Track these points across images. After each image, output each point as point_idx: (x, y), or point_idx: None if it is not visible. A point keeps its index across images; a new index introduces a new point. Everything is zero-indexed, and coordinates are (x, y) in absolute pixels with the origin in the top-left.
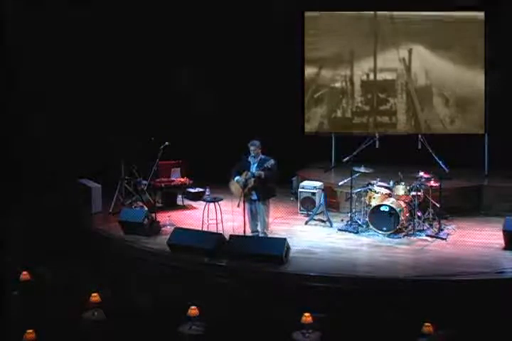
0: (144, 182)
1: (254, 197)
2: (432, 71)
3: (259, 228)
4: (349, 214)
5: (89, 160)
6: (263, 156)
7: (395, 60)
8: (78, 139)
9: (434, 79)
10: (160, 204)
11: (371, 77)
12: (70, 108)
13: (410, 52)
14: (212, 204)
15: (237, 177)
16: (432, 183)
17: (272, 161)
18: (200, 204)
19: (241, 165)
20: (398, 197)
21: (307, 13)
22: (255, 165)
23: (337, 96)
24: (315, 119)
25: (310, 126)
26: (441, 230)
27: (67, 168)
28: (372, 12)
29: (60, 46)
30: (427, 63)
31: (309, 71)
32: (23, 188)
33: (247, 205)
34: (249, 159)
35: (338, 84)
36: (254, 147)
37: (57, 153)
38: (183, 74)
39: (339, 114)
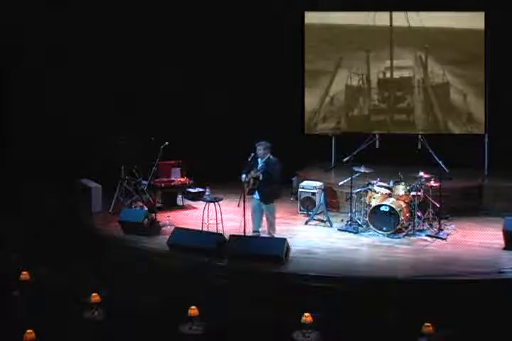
0: (144, 182)
1: (257, 196)
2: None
3: (261, 228)
4: (349, 214)
5: (89, 160)
6: (271, 157)
7: (411, 57)
8: (78, 139)
9: (451, 76)
10: (160, 204)
11: (388, 74)
12: (70, 107)
13: (427, 50)
14: (212, 204)
15: (243, 176)
16: (432, 183)
17: (271, 164)
18: (200, 204)
19: (250, 164)
20: (398, 197)
21: (309, 14)
22: (260, 165)
23: (354, 94)
24: (332, 118)
25: (327, 125)
26: (441, 230)
27: (67, 168)
28: (387, 12)
29: (57, 44)
30: (442, 61)
31: (324, 68)
32: (24, 188)
33: (250, 204)
34: (257, 159)
35: (354, 83)
36: (259, 147)
37: (57, 153)
38: (183, 75)
39: (356, 112)
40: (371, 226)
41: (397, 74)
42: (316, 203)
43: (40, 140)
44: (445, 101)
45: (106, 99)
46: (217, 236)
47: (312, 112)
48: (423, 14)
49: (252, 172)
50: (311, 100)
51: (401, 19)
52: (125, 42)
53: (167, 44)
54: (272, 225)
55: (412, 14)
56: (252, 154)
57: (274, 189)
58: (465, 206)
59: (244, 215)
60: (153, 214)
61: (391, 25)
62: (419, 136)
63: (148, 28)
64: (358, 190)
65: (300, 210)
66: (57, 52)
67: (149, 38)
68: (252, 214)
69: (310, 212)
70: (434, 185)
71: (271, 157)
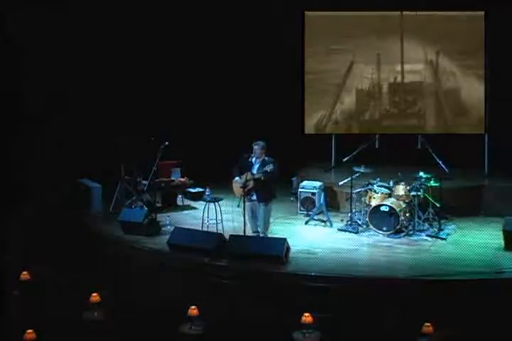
0: (144, 182)
1: (254, 197)
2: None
3: (259, 228)
4: (349, 214)
5: (89, 160)
6: (266, 158)
7: (422, 61)
8: (78, 139)
9: (461, 76)
10: (160, 204)
11: (398, 79)
12: (70, 107)
13: (438, 53)
14: (212, 204)
15: (236, 178)
16: (432, 183)
17: (272, 165)
18: (200, 204)
19: (242, 165)
20: (398, 197)
21: (310, 14)
22: (257, 165)
23: (364, 98)
24: (342, 121)
25: (337, 128)
26: (441, 230)
27: (67, 168)
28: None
29: (59, 45)
30: (451, 64)
31: (334, 73)
32: (24, 188)
33: (247, 205)
34: (252, 160)
35: (364, 87)
36: (257, 147)
37: (57, 153)
38: (183, 75)
39: (367, 116)
40: (371, 226)
41: (407, 79)
42: (316, 203)
43: (39, 139)
44: (456, 104)
45: (106, 99)
46: (217, 236)
47: (321, 115)
48: (431, 14)
49: (249, 174)
50: (319, 104)
51: (409, 20)
52: (124, 41)
53: (167, 44)
54: (265, 225)
55: (420, 14)
56: (247, 154)
57: (272, 189)
58: (465, 206)
59: (244, 215)
60: (153, 214)
61: (402, 21)
62: (419, 136)
63: (148, 27)
64: (358, 190)
65: (300, 210)
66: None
67: (149, 37)
68: (249, 215)
69: (310, 212)
70: (434, 185)
71: (266, 158)
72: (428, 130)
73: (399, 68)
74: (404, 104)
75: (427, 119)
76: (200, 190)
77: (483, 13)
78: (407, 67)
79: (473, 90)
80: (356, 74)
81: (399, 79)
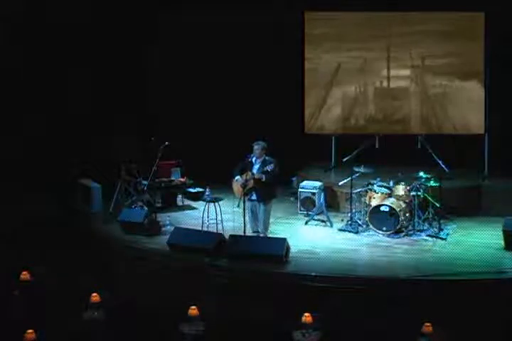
0: (144, 182)
1: (254, 197)
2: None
3: (259, 228)
4: (349, 214)
5: (89, 160)
6: (267, 158)
7: (408, 65)
8: (79, 139)
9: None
10: (160, 204)
11: (384, 83)
12: (70, 107)
13: (423, 57)
14: (212, 204)
15: (237, 177)
16: (432, 183)
17: (271, 165)
18: (200, 204)
19: (243, 165)
20: (398, 197)
21: (309, 14)
22: (258, 165)
23: (350, 102)
24: (329, 125)
25: (322, 130)
26: (441, 230)
27: (67, 168)
28: (383, 13)
29: (58, 44)
30: (436, 65)
31: (321, 76)
32: (24, 188)
33: (247, 205)
34: (252, 159)
35: (351, 92)
36: (257, 147)
37: (57, 153)
38: (184, 75)
39: (353, 120)
40: (371, 226)
41: (393, 84)
42: (316, 203)
43: (39, 139)
44: (442, 110)
45: (106, 98)
46: (217, 236)
47: (310, 118)
48: (421, 16)
49: (250, 173)
50: (308, 107)
51: (400, 23)
52: (124, 41)
53: (166, 44)
54: (265, 225)
55: (410, 17)
56: (248, 155)
57: (273, 189)
58: (465, 206)
59: (244, 215)
60: (153, 214)
61: (389, 31)
62: (419, 136)
63: (146, 26)
64: (358, 190)
65: (300, 210)
66: None
67: (148, 37)
68: (249, 215)
69: (310, 212)
70: (434, 185)
71: (267, 158)
72: (414, 131)
73: (385, 73)
74: (390, 110)
75: (412, 124)
76: (200, 190)
77: (481, 13)
78: (393, 72)
79: (463, 93)
80: (343, 76)
81: (385, 83)
